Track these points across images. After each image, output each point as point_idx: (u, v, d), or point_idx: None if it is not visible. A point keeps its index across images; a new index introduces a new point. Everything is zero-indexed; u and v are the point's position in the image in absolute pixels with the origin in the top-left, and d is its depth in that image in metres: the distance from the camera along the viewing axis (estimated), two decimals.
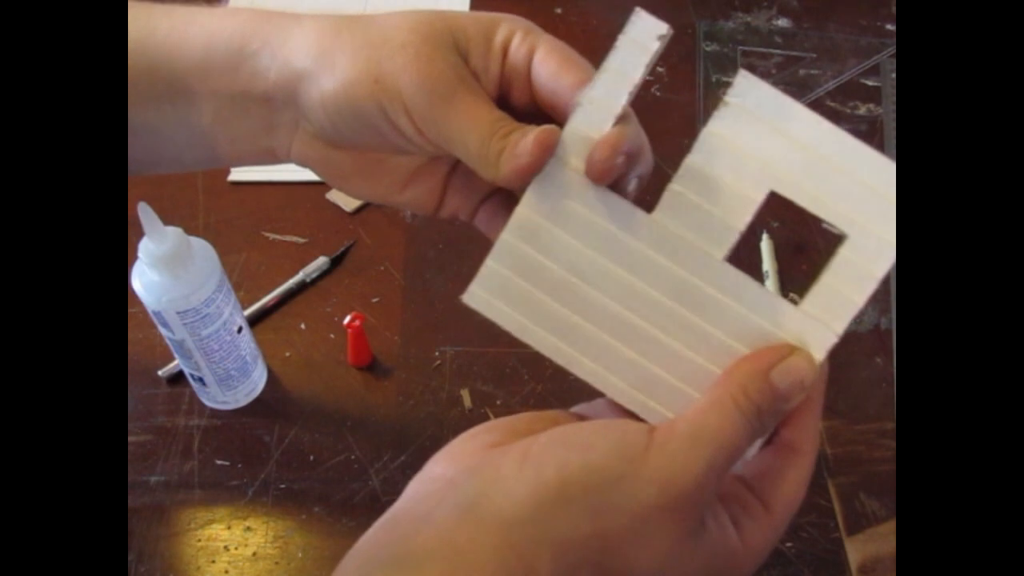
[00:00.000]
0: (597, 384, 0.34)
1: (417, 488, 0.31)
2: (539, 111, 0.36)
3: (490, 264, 0.34)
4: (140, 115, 0.38)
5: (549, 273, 0.34)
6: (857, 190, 0.30)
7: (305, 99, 0.36)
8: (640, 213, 0.33)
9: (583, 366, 0.34)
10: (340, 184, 0.40)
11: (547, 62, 0.34)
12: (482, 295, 0.35)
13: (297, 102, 0.37)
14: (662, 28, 0.31)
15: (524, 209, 0.34)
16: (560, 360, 0.34)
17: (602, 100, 0.32)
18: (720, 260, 0.32)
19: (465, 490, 0.29)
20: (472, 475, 0.30)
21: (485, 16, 0.36)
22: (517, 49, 0.35)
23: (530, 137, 0.32)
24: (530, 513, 0.29)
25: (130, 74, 0.37)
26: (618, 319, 0.33)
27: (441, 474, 0.31)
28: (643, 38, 0.31)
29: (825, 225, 0.31)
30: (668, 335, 0.33)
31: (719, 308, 0.32)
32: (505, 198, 0.39)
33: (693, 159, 0.32)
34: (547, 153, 0.33)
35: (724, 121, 0.31)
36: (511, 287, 0.34)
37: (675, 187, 0.32)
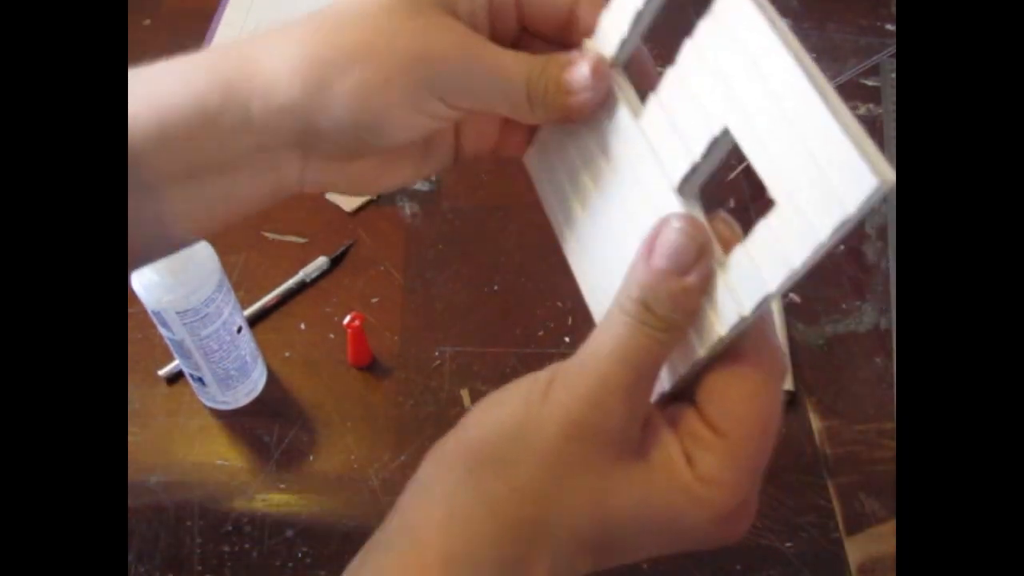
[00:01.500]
0: (573, 267, 0.35)
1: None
2: (526, 35, 0.36)
3: (542, 136, 0.37)
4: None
5: (570, 156, 0.35)
6: (805, 162, 0.26)
7: (313, 132, 0.33)
8: (631, 120, 0.32)
9: (569, 245, 0.36)
10: (364, 190, 0.38)
11: None
12: (532, 160, 0.38)
13: (301, 137, 0.33)
14: None
15: None
16: (557, 233, 0.36)
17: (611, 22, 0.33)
18: (671, 190, 0.31)
19: (419, 475, 0.31)
20: (426, 460, 0.31)
21: None
22: None
23: (584, 68, 0.32)
24: (462, 478, 0.29)
25: None
26: (601, 214, 0.34)
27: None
28: None
29: (769, 191, 0.27)
30: (626, 243, 0.32)
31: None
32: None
33: (675, 71, 0.31)
34: (605, 83, 0.33)
35: (707, 36, 0.30)
36: (547, 160, 0.37)
37: (658, 96, 0.31)
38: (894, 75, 0.83)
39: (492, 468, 0.29)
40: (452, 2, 0.33)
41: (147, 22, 0.92)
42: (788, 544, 0.55)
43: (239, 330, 0.59)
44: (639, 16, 0.32)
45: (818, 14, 0.89)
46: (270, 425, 0.62)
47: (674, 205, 0.30)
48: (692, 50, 0.30)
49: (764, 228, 0.27)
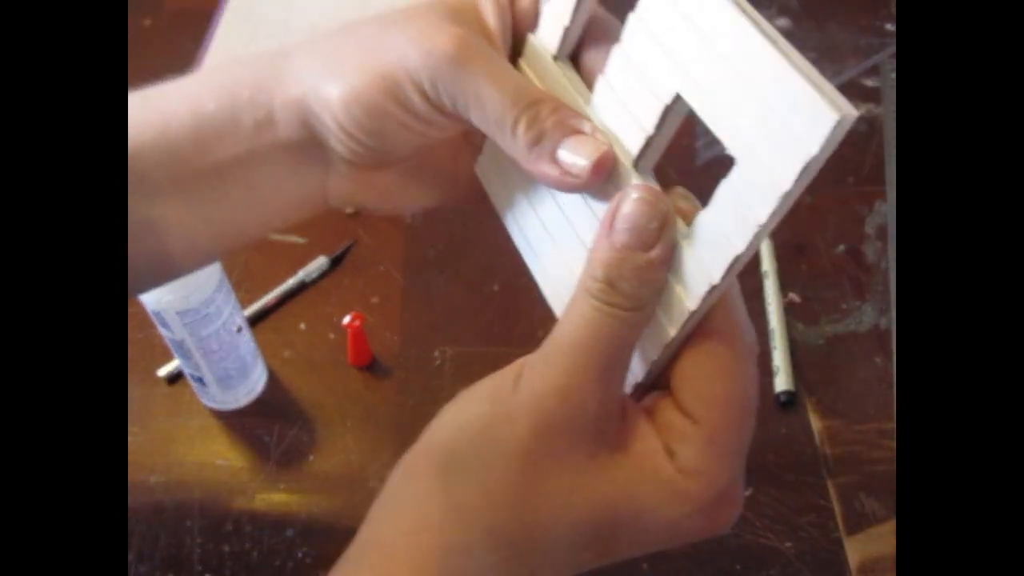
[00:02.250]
0: (534, 273, 0.35)
1: None
2: None
3: (490, 142, 0.35)
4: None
5: None
6: (761, 111, 0.25)
7: (320, 124, 0.33)
8: (582, 108, 0.31)
9: (523, 246, 0.35)
10: (397, 204, 0.36)
11: None
12: (483, 168, 0.36)
13: (314, 132, 0.33)
14: None
15: None
16: (513, 237, 0.35)
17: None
18: (628, 167, 0.29)
19: (389, 485, 0.30)
20: (395, 469, 0.30)
21: None
22: None
23: (583, 162, 0.29)
24: (432, 486, 0.28)
25: None
26: (557, 211, 0.33)
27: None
28: None
29: (728, 150, 0.26)
30: (586, 233, 0.31)
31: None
32: None
33: (620, 48, 0.30)
34: (602, 177, 0.29)
35: (649, 7, 0.29)
36: (498, 165, 0.35)
37: (605, 77, 0.30)
38: (894, 75, 0.83)
39: (461, 474, 0.28)
40: (472, 10, 0.32)
41: (147, 22, 0.92)
42: (788, 544, 0.55)
43: (239, 330, 0.59)
44: (580, 2, 0.32)
45: (818, 14, 0.89)
46: (270, 425, 0.62)
47: (631, 178, 0.29)
48: (634, 23, 0.29)
49: (726, 188, 0.26)
